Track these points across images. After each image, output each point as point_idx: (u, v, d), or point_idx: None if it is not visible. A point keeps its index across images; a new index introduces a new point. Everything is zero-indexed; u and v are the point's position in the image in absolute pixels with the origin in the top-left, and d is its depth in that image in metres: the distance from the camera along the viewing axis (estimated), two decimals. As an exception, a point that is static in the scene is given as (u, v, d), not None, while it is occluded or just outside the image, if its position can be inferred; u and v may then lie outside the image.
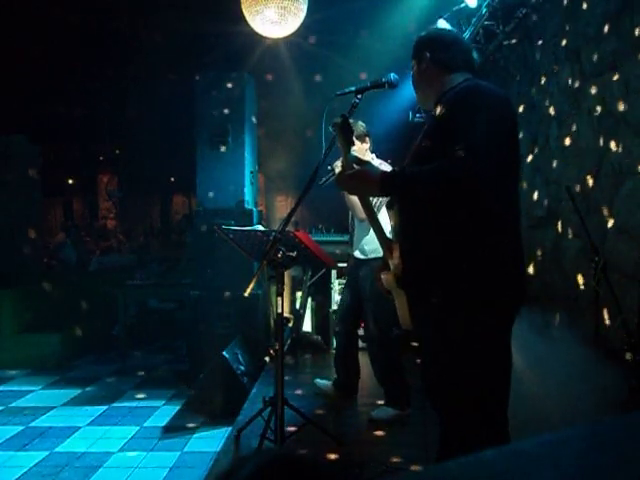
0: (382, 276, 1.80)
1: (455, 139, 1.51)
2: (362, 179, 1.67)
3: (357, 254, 3.31)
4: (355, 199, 3.14)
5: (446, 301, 1.58)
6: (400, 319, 1.81)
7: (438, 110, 1.68)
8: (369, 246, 3.22)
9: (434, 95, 1.78)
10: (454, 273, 1.57)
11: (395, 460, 2.57)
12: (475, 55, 4.64)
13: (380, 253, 3.07)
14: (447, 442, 1.71)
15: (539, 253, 4.09)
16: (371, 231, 3.19)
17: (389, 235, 1.88)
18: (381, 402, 3.25)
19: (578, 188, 3.43)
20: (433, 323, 1.64)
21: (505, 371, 1.66)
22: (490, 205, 1.56)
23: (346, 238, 3.80)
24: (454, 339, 1.58)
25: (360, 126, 3.25)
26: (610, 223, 3.13)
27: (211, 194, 4.80)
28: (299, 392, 3.65)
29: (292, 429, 2.74)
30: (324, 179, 3.11)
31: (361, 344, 3.60)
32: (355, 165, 1.73)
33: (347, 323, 3.45)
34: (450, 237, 1.58)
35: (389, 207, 1.82)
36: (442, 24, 4.52)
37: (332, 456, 2.59)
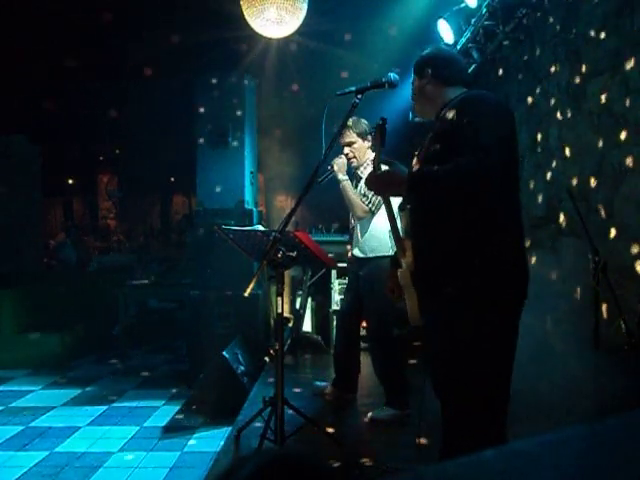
0: (398, 273, 1.87)
1: (468, 141, 1.60)
2: (390, 180, 1.79)
3: (357, 252, 3.31)
4: (355, 198, 3.15)
5: (456, 298, 1.64)
6: (409, 316, 1.86)
7: (447, 115, 1.75)
8: (369, 244, 3.22)
9: (433, 106, 1.91)
10: (463, 270, 1.64)
11: (395, 460, 2.57)
12: (476, 55, 4.64)
13: (380, 252, 3.11)
14: (449, 442, 1.73)
15: (539, 253, 4.08)
16: (370, 229, 3.21)
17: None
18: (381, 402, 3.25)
19: (578, 188, 3.43)
20: (442, 321, 1.70)
21: (509, 369, 1.69)
22: (495, 204, 1.65)
23: (346, 238, 3.80)
24: (462, 337, 1.64)
25: (363, 124, 3.26)
26: (610, 223, 3.13)
27: (211, 194, 4.80)
28: (299, 392, 3.65)
29: (292, 429, 2.74)
30: (322, 177, 3.12)
31: (363, 344, 3.60)
32: (383, 166, 1.84)
33: (347, 322, 3.44)
34: (460, 235, 1.65)
35: (401, 208, 1.90)
36: (442, 24, 4.52)
37: (332, 456, 2.58)
